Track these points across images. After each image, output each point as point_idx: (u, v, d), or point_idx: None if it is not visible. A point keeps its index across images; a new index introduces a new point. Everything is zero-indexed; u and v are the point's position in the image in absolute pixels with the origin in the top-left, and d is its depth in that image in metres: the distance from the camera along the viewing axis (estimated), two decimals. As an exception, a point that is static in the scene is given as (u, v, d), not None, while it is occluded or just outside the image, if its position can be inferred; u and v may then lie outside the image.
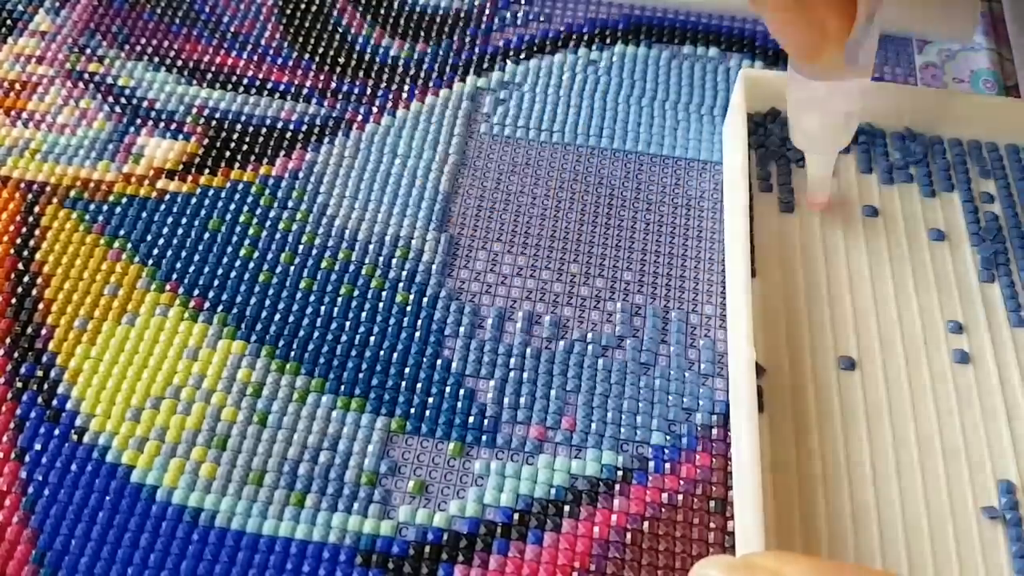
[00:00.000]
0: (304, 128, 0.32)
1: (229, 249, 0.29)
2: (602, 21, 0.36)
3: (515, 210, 0.30)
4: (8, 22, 0.35)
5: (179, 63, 0.34)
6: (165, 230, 0.29)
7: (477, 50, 0.35)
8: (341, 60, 0.35)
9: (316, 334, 0.27)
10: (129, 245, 0.29)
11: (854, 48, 0.23)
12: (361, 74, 0.34)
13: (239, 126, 0.32)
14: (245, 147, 0.32)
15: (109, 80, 0.33)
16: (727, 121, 0.32)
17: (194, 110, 0.33)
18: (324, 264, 0.29)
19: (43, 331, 0.27)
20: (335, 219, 0.30)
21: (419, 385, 0.26)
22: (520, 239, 0.30)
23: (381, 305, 0.28)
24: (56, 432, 0.25)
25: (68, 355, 0.27)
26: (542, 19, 0.36)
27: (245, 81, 0.34)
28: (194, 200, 0.30)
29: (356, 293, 0.28)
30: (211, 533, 0.24)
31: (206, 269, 0.29)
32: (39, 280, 0.28)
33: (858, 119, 0.27)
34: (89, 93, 0.33)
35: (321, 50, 0.35)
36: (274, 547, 0.23)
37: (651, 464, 0.25)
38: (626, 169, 0.31)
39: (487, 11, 0.36)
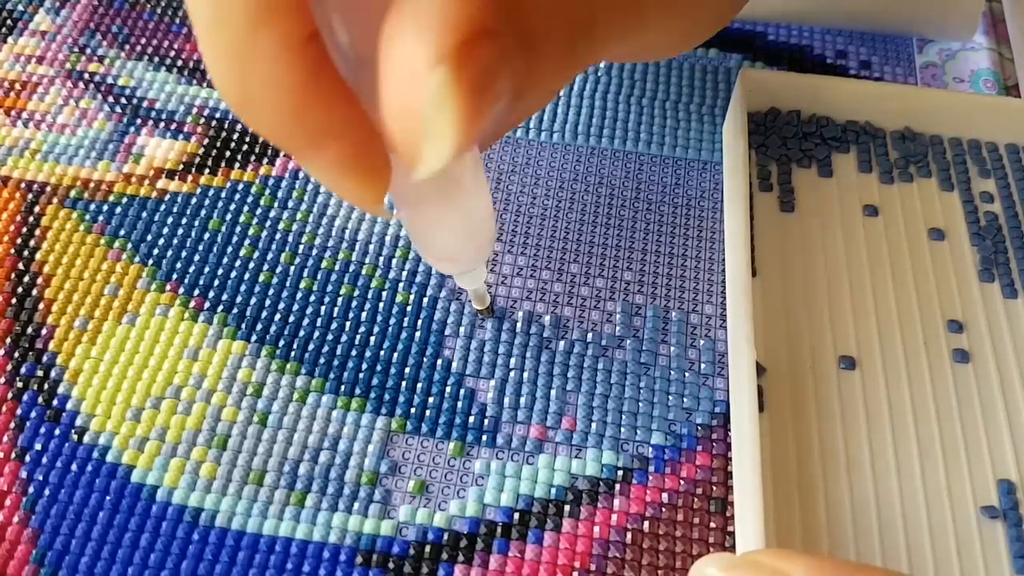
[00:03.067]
0: (304, 128, 0.32)
1: (229, 249, 0.29)
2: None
3: (515, 210, 0.30)
4: (8, 22, 0.35)
5: (179, 63, 0.34)
6: (165, 230, 0.29)
7: (477, 50, 0.35)
8: (341, 60, 0.35)
9: (316, 334, 0.27)
10: (129, 245, 0.29)
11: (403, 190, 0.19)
12: (361, 74, 0.34)
13: (239, 126, 0.32)
14: (245, 147, 0.32)
15: (109, 80, 0.33)
16: (727, 120, 0.32)
17: (194, 110, 0.33)
18: (324, 264, 0.29)
19: (43, 331, 0.27)
20: (335, 219, 0.30)
21: (419, 385, 0.26)
22: (520, 239, 0.30)
23: (381, 305, 0.28)
24: (56, 432, 0.25)
25: (68, 355, 0.27)
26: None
27: (245, 81, 0.34)
28: (194, 200, 0.30)
29: (356, 293, 0.28)
30: (211, 533, 0.24)
31: (206, 269, 0.29)
32: (39, 280, 0.28)
33: (492, 227, 0.22)
34: (89, 93, 0.33)
35: (321, 50, 0.35)
36: (274, 547, 0.23)
37: (651, 464, 0.25)
38: (626, 169, 0.31)
39: (487, 11, 0.36)
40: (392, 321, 0.28)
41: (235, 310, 0.28)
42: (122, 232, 0.29)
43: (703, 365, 0.27)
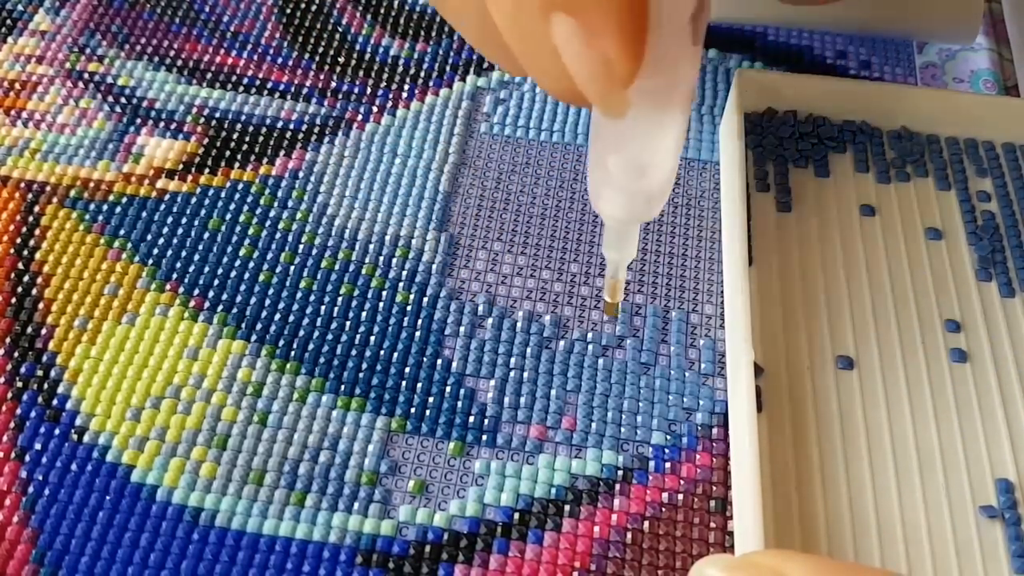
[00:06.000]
0: (304, 128, 0.32)
1: (229, 249, 0.29)
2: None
3: (515, 210, 0.30)
4: (8, 22, 0.35)
5: (179, 63, 0.34)
6: (165, 230, 0.29)
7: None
8: (341, 60, 0.35)
9: (316, 334, 0.27)
10: (129, 245, 0.29)
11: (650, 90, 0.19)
12: (361, 74, 0.34)
13: (239, 126, 0.32)
14: (245, 147, 0.32)
15: (109, 80, 0.33)
16: (723, 121, 0.32)
17: (194, 110, 0.33)
18: (324, 264, 0.29)
19: (43, 331, 0.27)
20: (335, 219, 0.30)
21: (419, 385, 0.26)
22: (520, 239, 0.30)
23: (381, 305, 0.28)
24: (56, 432, 0.25)
25: (68, 355, 0.27)
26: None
27: (245, 81, 0.34)
28: (194, 200, 0.30)
29: (356, 293, 0.28)
30: (211, 533, 0.24)
31: (206, 269, 0.29)
32: (39, 280, 0.28)
33: (671, 176, 0.21)
34: (89, 93, 0.33)
35: (321, 50, 0.35)
36: (274, 547, 0.23)
37: (651, 464, 0.25)
38: (625, 169, 0.31)
39: (486, 11, 0.36)
40: (392, 321, 0.28)
41: (235, 310, 0.28)
42: (122, 232, 0.29)
43: (703, 365, 0.27)
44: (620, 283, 0.25)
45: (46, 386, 0.26)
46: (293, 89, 0.33)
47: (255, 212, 0.30)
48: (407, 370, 0.27)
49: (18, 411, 0.25)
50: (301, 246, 0.29)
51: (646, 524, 0.24)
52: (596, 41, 0.17)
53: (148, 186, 0.31)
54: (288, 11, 0.36)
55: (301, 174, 0.31)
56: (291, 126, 0.32)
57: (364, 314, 0.28)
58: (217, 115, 0.33)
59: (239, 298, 0.28)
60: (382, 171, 0.31)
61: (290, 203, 0.30)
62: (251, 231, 0.30)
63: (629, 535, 0.24)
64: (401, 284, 0.28)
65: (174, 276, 0.28)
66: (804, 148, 0.31)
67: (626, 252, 0.24)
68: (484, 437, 0.25)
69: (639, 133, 0.20)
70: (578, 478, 0.25)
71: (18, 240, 0.29)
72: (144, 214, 0.30)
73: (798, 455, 0.25)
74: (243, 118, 0.33)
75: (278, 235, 0.29)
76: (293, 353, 0.27)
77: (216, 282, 0.28)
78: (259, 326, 0.27)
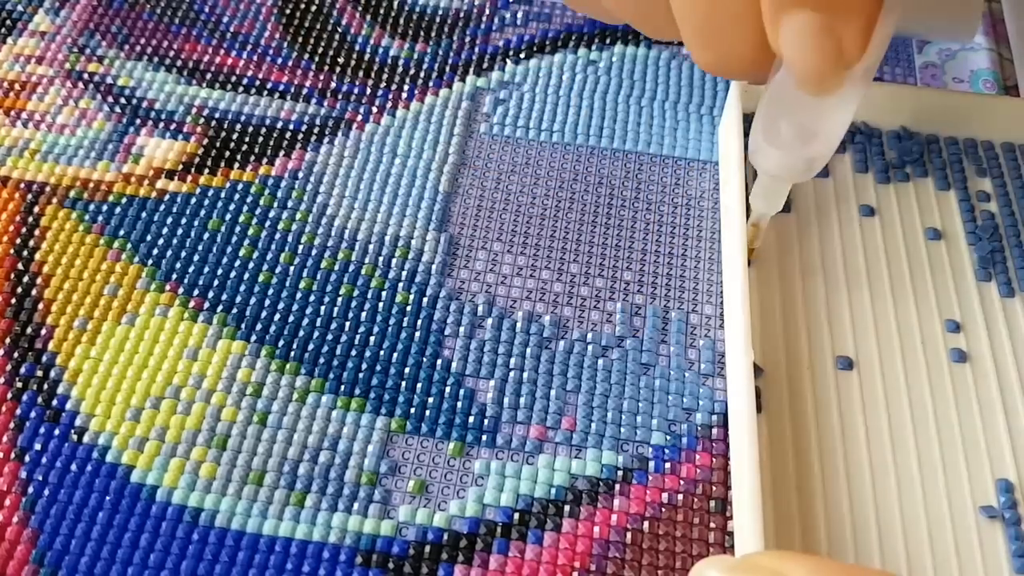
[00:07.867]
0: (304, 128, 0.32)
1: (229, 249, 0.29)
2: (602, 21, 0.36)
3: (515, 210, 0.30)
4: (8, 22, 0.35)
5: (179, 63, 0.34)
6: (165, 230, 0.29)
7: (477, 50, 0.35)
8: (341, 60, 0.35)
9: (316, 334, 0.27)
10: (129, 245, 0.29)
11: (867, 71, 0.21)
12: (361, 74, 0.34)
13: (239, 126, 0.32)
14: (245, 147, 0.32)
15: (109, 80, 0.33)
16: (723, 121, 0.32)
17: (194, 110, 0.33)
18: (324, 264, 0.29)
19: (43, 331, 0.27)
20: (335, 219, 0.30)
21: (419, 385, 0.26)
22: (520, 239, 0.30)
23: (381, 305, 0.28)
24: (56, 432, 0.25)
25: (68, 355, 0.27)
26: (542, 19, 0.36)
27: (245, 81, 0.34)
28: (194, 200, 0.30)
29: (356, 293, 0.28)
30: (211, 533, 0.24)
31: (206, 269, 0.29)
32: (39, 280, 0.28)
33: (833, 145, 0.23)
34: (89, 93, 0.33)
35: (321, 50, 0.35)
36: (274, 547, 0.23)
37: (651, 464, 0.25)
38: (626, 169, 0.31)
39: (487, 11, 0.36)
40: (392, 321, 0.28)
41: (235, 310, 0.28)
42: (121, 232, 0.29)
43: (703, 365, 0.27)
44: (761, 230, 0.26)
45: (46, 386, 0.26)
46: (293, 89, 0.33)
47: (255, 212, 0.30)
48: (407, 370, 0.27)
49: (18, 411, 0.25)
50: (301, 246, 0.29)
51: (646, 524, 0.24)
52: (833, 30, 0.18)
53: (148, 186, 0.31)
54: (288, 11, 0.36)
55: (301, 174, 0.31)
56: (291, 126, 0.32)
57: (364, 314, 0.28)
58: (217, 115, 0.33)
59: (239, 298, 0.28)
60: (382, 171, 0.31)
61: (290, 203, 0.30)
62: (251, 231, 0.30)
63: (629, 535, 0.24)
64: (401, 284, 0.28)
65: (174, 276, 0.28)
66: (804, 148, 0.31)
67: (773, 206, 0.25)
68: (484, 437, 0.25)
69: (824, 105, 0.21)
70: (578, 478, 0.25)
71: (18, 240, 0.29)
72: (144, 214, 0.30)
73: (798, 455, 0.25)
74: (243, 118, 0.33)
75: (278, 235, 0.29)
76: (293, 353, 0.27)
77: (216, 282, 0.28)
78: (259, 326, 0.27)
